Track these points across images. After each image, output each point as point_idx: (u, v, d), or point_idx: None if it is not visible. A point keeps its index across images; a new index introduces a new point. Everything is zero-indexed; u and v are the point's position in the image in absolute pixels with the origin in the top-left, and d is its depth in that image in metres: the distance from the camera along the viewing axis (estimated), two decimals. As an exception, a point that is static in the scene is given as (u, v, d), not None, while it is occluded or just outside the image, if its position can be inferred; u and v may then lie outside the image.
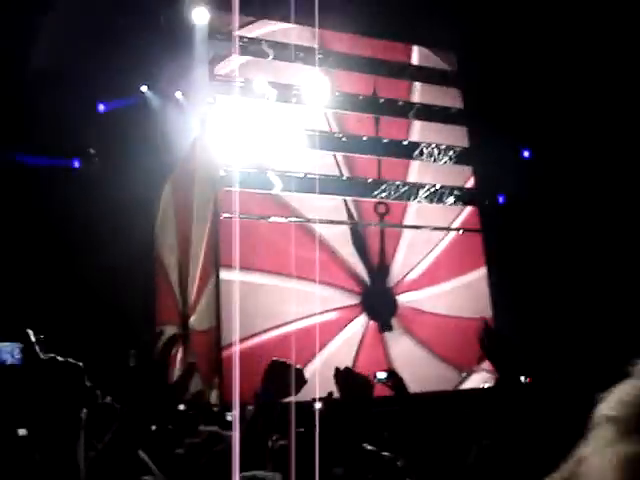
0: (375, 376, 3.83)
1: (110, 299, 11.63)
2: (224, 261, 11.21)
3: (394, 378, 3.36)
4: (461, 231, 13.93)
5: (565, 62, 12.11)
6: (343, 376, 3.23)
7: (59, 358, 2.54)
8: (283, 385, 2.70)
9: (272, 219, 12.36)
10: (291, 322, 11.17)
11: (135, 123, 12.53)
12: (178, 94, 12.75)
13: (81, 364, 2.53)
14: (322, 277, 11.52)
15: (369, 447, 3.14)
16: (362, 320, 12.69)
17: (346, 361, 11.43)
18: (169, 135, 12.76)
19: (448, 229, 13.86)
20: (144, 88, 13.02)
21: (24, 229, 11.32)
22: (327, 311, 12.20)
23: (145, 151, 12.20)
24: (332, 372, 3.18)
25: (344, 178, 13.29)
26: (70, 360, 2.50)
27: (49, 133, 11.63)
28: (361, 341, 12.51)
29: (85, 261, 11.50)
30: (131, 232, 11.95)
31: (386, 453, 3.22)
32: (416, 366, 11.73)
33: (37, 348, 2.49)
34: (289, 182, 12.53)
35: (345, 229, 13.13)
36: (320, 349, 11.12)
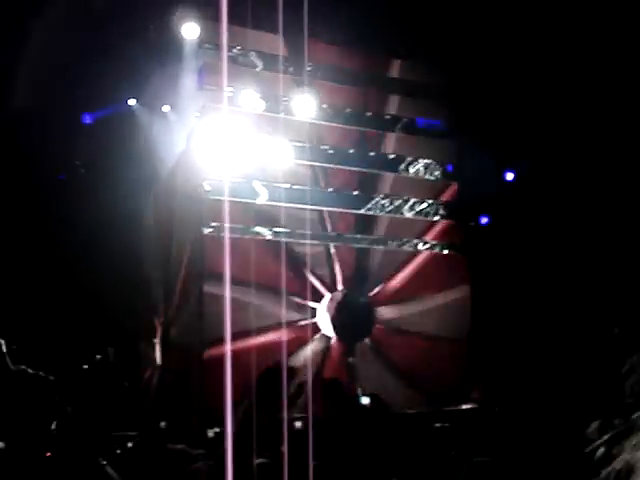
0: (358, 401, 3.89)
1: (94, 308, 11.65)
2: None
3: (376, 402, 3.40)
4: (445, 250, 14.04)
5: (553, 76, 12.20)
6: (332, 388, 3.27)
7: (29, 370, 2.57)
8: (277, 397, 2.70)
9: (255, 230, 12.44)
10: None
11: (121, 135, 12.54)
12: (165, 107, 12.77)
13: (51, 377, 2.56)
14: (289, 289, 11.62)
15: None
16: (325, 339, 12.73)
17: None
18: (155, 148, 12.77)
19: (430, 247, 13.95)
20: (132, 101, 13.03)
21: (6, 238, 11.31)
22: (291, 324, 12.26)
23: (131, 163, 12.21)
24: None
25: (329, 190, 13.36)
26: (40, 373, 2.53)
27: (35, 143, 11.64)
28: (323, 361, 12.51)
29: (70, 269, 11.53)
30: (116, 244, 11.98)
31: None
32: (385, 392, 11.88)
33: (8, 359, 2.51)
34: (275, 192, 12.61)
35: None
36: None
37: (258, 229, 12.45)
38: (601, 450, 1.78)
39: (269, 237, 12.51)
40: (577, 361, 10.22)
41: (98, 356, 10.45)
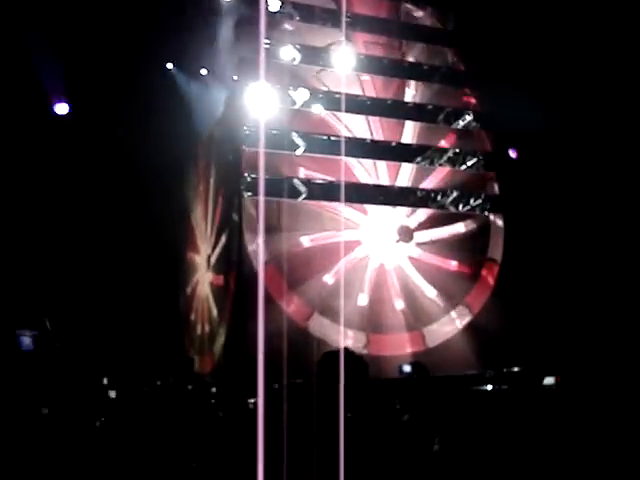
0: (401, 370, 4.11)
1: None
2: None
3: (419, 370, 3.64)
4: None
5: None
6: (346, 358, 3.42)
7: (71, 347, 2.92)
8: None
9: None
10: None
11: (165, 97, 12.88)
12: (203, 71, 13.04)
13: (92, 354, 2.91)
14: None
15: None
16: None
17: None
18: (197, 109, 13.15)
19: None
20: (170, 65, 13.32)
21: (50, 197, 11.93)
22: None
23: (175, 122, 12.60)
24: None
25: (367, 141, 13.49)
26: (82, 349, 2.89)
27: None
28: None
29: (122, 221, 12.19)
30: (164, 195, 12.56)
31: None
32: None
33: (52, 336, 2.86)
34: (313, 144, 12.85)
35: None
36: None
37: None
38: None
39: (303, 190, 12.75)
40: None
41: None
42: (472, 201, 14.17)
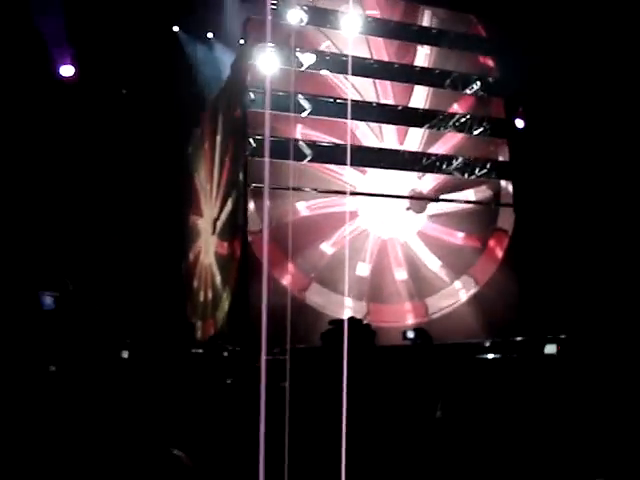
0: (405, 335, 4.17)
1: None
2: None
3: (423, 336, 3.69)
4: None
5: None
6: (350, 325, 3.45)
7: (90, 307, 3.00)
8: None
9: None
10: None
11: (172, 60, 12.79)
12: (209, 35, 12.90)
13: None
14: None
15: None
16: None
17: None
18: (203, 71, 13.06)
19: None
20: (176, 28, 13.18)
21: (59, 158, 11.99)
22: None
23: (181, 85, 12.56)
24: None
25: (374, 105, 13.39)
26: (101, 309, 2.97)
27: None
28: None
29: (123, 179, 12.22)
30: (169, 157, 12.58)
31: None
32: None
33: (73, 296, 2.93)
34: (319, 107, 12.76)
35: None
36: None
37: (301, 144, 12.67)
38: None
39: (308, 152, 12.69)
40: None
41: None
42: (477, 170, 14.05)
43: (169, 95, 12.18)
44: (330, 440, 2.82)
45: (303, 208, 12.33)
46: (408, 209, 13.18)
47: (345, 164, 12.35)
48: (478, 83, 14.13)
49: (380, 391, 3.43)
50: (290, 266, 11.48)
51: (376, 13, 13.47)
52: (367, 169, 13.01)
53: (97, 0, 11.63)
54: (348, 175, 12.73)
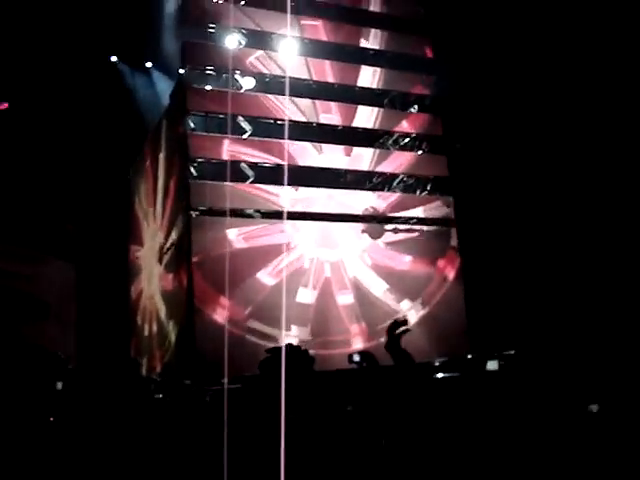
0: (351, 358, 4.17)
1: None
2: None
3: (368, 359, 3.67)
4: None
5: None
6: (288, 352, 3.42)
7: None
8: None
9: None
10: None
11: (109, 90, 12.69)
12: (148, 64, 12.85)
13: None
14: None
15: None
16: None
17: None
18: (144, 100, 13.01)
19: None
20: (114, 58, 13.08)
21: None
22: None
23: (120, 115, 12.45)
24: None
25: (313, 125, 13.44)
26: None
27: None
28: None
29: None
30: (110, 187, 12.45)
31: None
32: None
33: None
34: (259, 128, 12.75)
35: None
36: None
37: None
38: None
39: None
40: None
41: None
42: (420, 189, 14.15)
43: (107, 125, 12.07)
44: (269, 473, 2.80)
45: (240, 238, 12.22)
46: (363, 232, 13.20)
47: (286, 185, 12.33)
48: (418, 102, 14.32)
49: (320, 417, 3.42)
50: (226, 299, 11.36)
51: (315, 34, 13.57)
52: (304, 189, 12.98)
53: (31, 31, 11.43)
54: (285, 197, 12.63)
